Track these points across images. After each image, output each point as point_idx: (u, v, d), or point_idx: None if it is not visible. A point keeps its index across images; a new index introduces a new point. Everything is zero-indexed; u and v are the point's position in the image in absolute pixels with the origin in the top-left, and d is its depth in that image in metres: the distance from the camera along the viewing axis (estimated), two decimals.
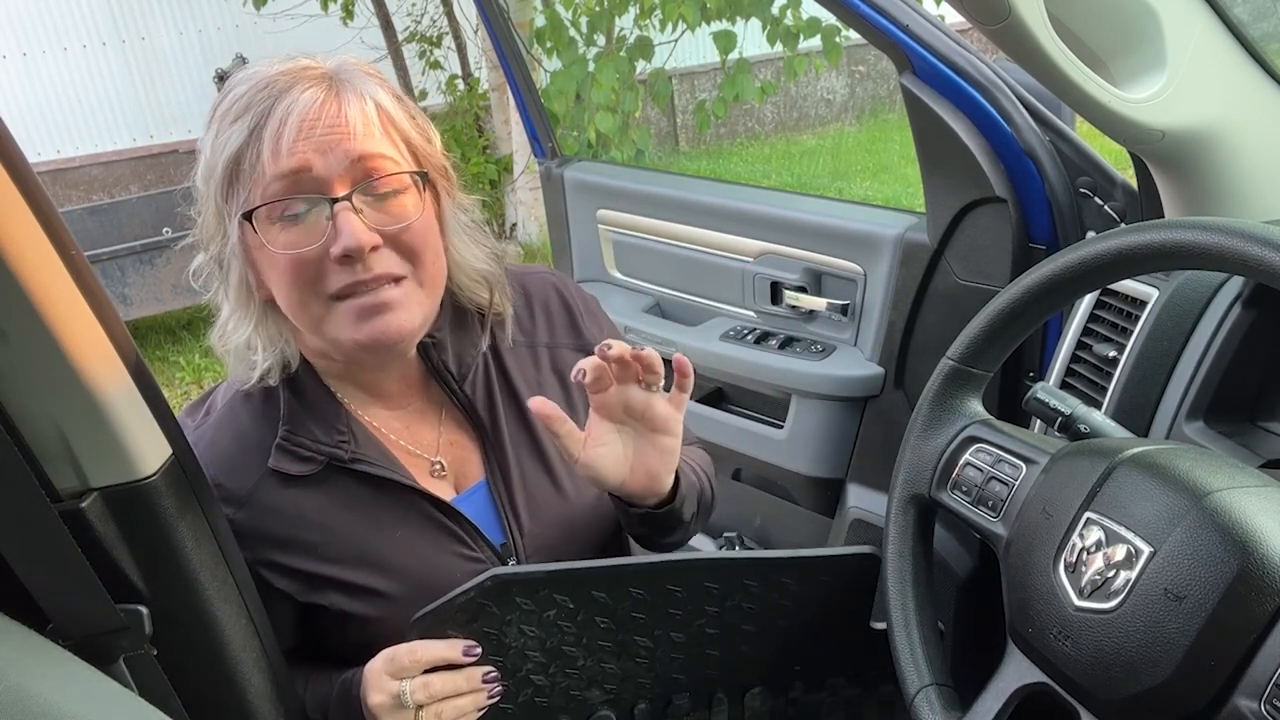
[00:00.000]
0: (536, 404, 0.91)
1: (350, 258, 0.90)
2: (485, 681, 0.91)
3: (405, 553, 0.99)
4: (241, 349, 0.98)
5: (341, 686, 0.97)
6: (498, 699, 0.92)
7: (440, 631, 0.90)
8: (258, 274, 0.96)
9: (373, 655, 0.94)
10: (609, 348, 0.88)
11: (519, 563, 1.02)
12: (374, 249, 0.91)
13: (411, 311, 0.94)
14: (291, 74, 0.91)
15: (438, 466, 1.05)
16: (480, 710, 0.92)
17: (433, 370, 1.05)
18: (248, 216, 0.90)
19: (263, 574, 0.98)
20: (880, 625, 1.00)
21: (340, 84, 0.92)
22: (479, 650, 0.90)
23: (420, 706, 0.89)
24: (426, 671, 0.90)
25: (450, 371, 1.04)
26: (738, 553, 0.94)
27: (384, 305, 0.92)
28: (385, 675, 0.90)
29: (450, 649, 0.90)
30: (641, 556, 0.94)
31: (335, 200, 0.90)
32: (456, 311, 1.06)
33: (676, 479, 1.00)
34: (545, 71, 4.07)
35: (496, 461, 1.05)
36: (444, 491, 1.04)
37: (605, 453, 0.93)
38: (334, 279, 0.91)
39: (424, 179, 0.95)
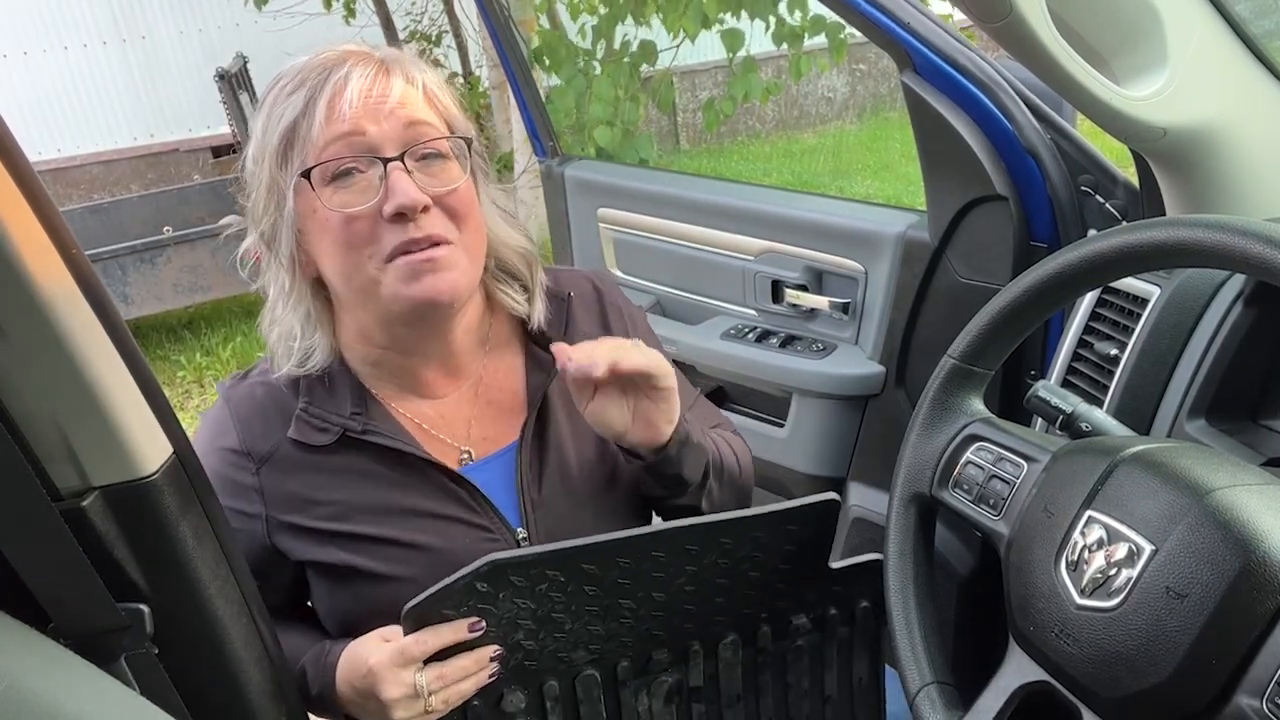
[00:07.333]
0: (559, 352, 0.97)
1: (403, 215, 0.94)
2: (493, 659, 0.94)
3: (413, 512, 1.03)
4: (291, 332, 1.03)
5: (301, 674, 1.00)
6: (498, 676, 0.95)
7: (436, 614, 0.91)
8: (306, 249, 1.00)
9: (371, 618, 0.97)
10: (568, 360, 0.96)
11: (525, 527, 1.06)
12: (424, 210, 0.95)
13: (459, 272, 0.99)
14: (344, 54, 0.98)
15: (466, 456, 1.08)
16: (481, 686, 0.95)
17: (529, 343, 1.12)
18: (305, 175, 0.95)
19: (272, 529, 1.02)
20: (838, 564, 1.05)
21: (391, 64, 0.98)
22: (483, 625, 0.93)
23: (433, 693, 0.92)
24: (436, 657, 0.92)
25: (544, 333, 1.10)
26: (713, 516, 0.99)
27: (434, 263, 0.96)
28: (397, 669, 0.92)
29: (455, 632, 0.92)
30: (627, 530, 0.98)
31: (388, 160, 0.94)
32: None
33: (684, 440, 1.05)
34: (545, 72, 4.05)
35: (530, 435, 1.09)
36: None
37: (609, 402, 1.00)
38: (387, 239, 0.95)
39: (468, 146, 1.01)
